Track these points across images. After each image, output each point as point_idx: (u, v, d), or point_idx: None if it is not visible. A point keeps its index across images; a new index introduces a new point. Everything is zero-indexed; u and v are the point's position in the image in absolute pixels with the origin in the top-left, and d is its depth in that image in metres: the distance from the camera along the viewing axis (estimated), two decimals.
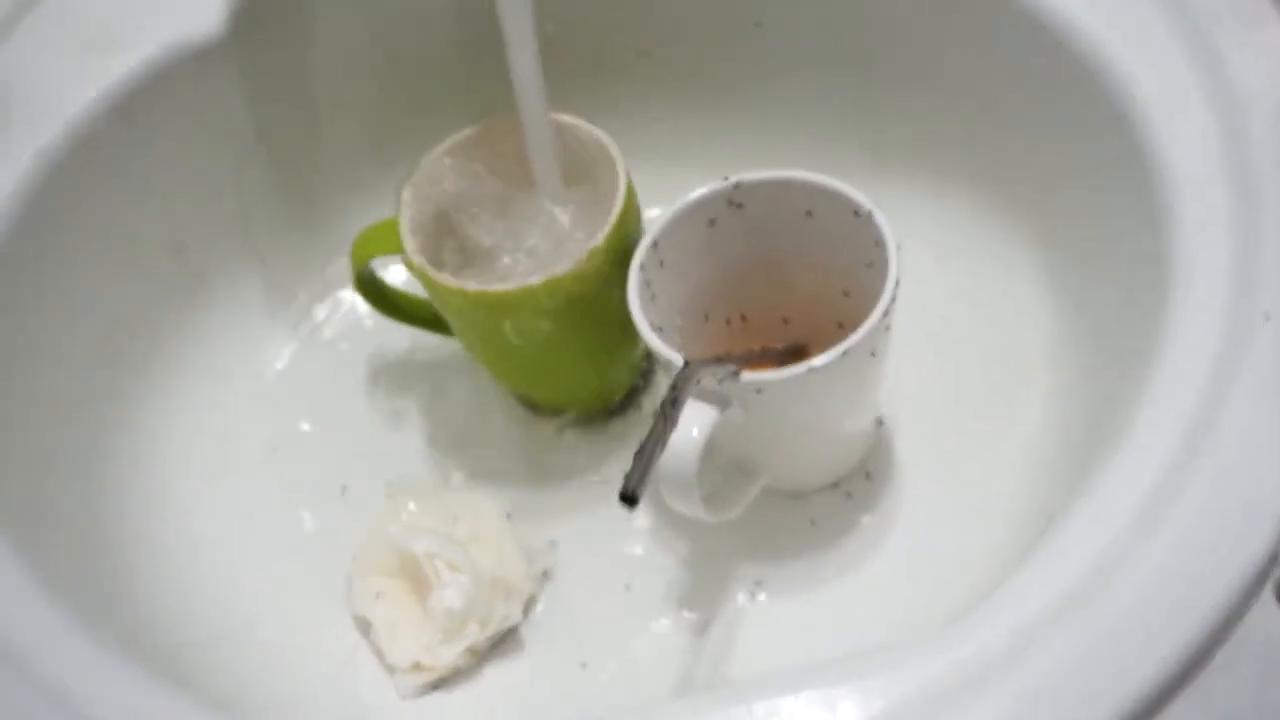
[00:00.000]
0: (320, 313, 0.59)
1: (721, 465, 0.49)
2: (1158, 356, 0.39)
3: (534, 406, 0.57)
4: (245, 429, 0.56)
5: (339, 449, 0.56)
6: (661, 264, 0.48)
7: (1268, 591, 0.35)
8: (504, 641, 0.49)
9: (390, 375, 0.58)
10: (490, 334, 0.50)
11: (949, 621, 0.37)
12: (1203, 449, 0.37)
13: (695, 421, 0.43)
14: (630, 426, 0.55)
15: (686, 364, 0.40)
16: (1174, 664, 0.33)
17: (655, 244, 0.48)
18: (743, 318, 0.53)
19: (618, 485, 0.36)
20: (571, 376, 0.53)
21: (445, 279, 0.48)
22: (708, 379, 0.42)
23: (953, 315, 0.55)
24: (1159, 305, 0.41)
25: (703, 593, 0.49)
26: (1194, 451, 0.37)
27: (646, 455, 0.36)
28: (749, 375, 0.43)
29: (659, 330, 0.47)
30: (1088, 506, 0.38)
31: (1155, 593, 0.34)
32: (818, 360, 0.43)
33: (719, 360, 0.43)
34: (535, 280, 0.47)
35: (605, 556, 0.51)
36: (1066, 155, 0.49)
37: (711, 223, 0.49)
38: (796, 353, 0.52)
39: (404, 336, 0.58)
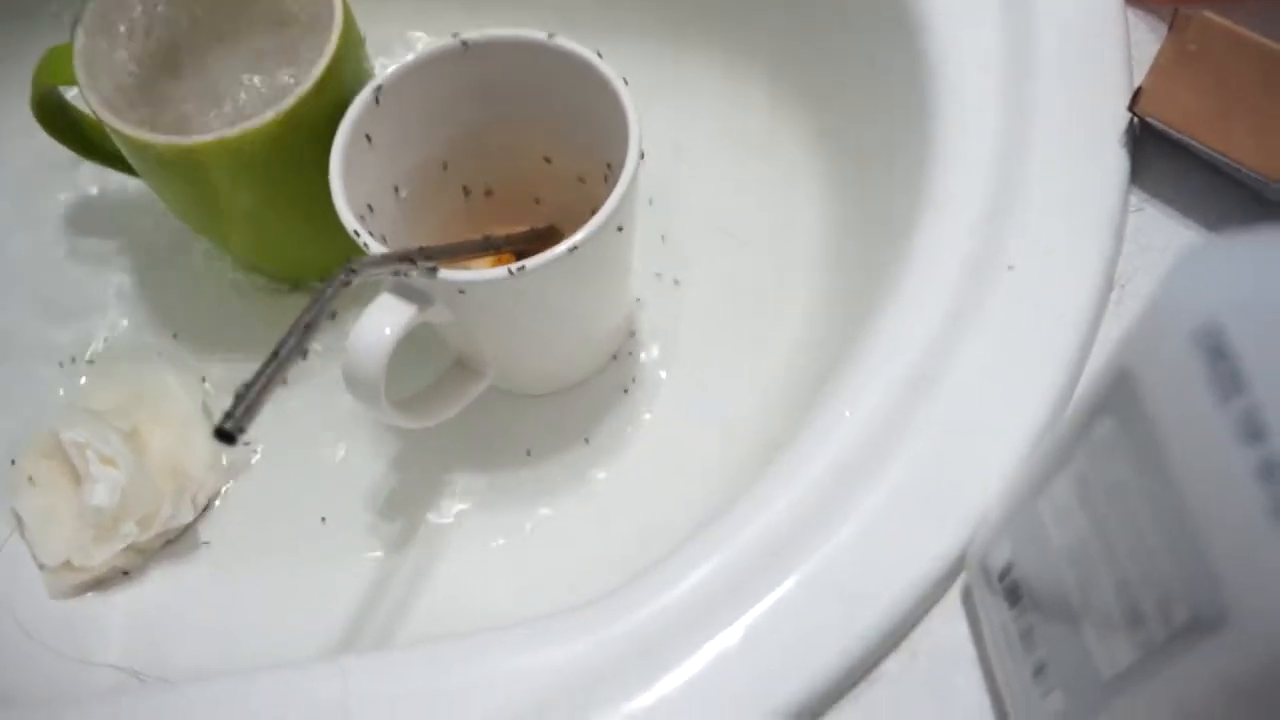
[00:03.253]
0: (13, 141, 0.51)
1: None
2: (890, 300, 0.34)
3: (258, 272, 0.50)
4: None
5: (22, 299, 0.49)
6: (382, 126, 0.41)
7: (953, 594, 0.30)
8: (179, 540, 0.44)
9: (90, 220, 0.50)
10: (188, 192, 0.43)
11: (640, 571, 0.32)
12: (916, 418, 0.32)
13: (387, 319, 0.37)
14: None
15: (350, 266, 0.34)
16: (836, 667, 0.29)
17: (375, 100, 0.40)
18: (488, 192, 0.47)
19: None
20: (291, 240, 0.46)
21: (124, 127, 0.40)
22: (393, 272, 0.36)
23: (729, 204, 0.49)
24: (906, 244, 0.35)
25: (409, 506, 0.44)
26: (906, 418, 0.32)
27: (258, 382, 0.30)
28: (448, 274, 0.37)
29: (369, 209, 0.40)
30: (788, 466, 0.33)
31: (823, 590, 0.30)
32: (528, 262, 0.37)
33: (410, 254, 0.37)
34: (231, 131, 0.39)
35: (308, 454, 0.45)
36: (854, 53, 0.43)
37: (442, 84, 0.42)
38: (545, 238, 0.46)
39: (109, 176, 0.50)
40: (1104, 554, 0.22)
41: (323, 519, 0.44)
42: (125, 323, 0.49)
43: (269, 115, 0.39)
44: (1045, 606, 0.25)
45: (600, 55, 0.40)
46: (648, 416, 0.46)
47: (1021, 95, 0.37)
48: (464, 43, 0.41)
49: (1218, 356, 0.18)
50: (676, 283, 0.48)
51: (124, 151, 0.42)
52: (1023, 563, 0.26)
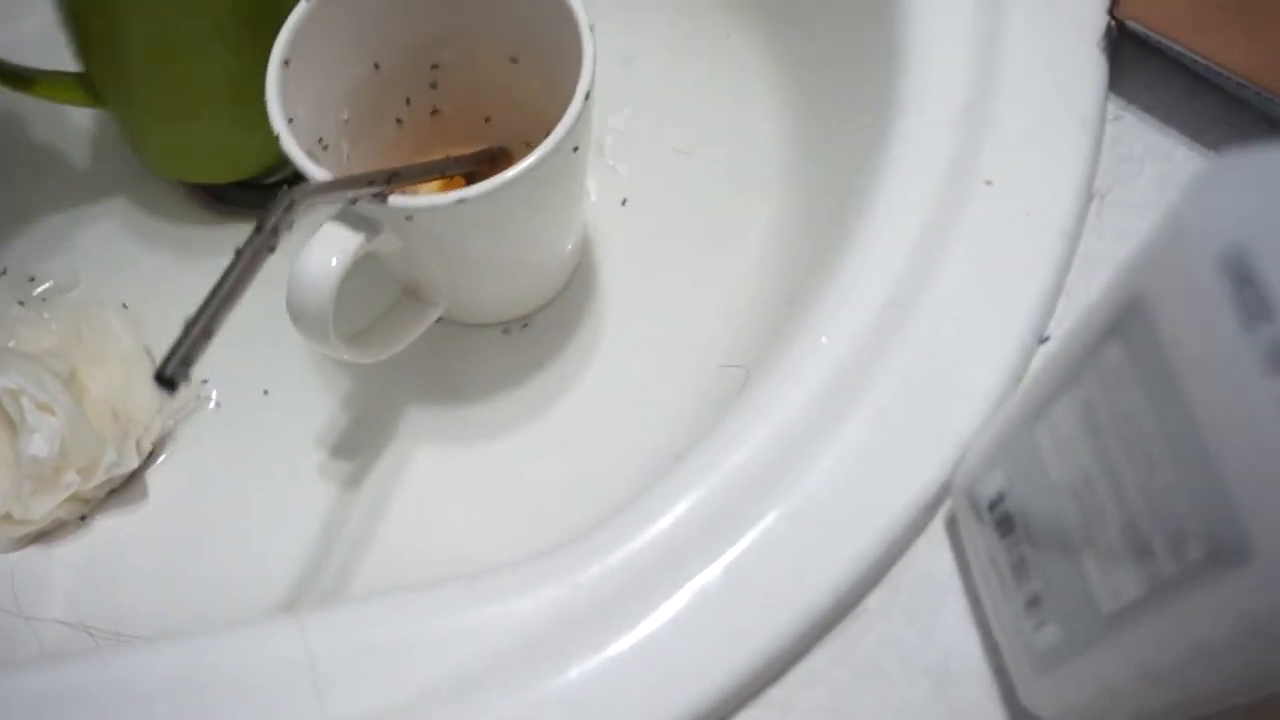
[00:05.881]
0: None
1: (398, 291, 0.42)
2: (862, 219, 0.33)
3: (189, 184, 0.47)
4: None
5: None
6: (314, 50, 0.38)
7: (937, 523, 0.29)
8: (124, 489, 0.42)
9: (13, 157, 0.48)
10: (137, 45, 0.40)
11: (616, 504, 0.31)
12: (894, 342, 0.31)
13: (334, 249, 0.35)
14: None
15: (289, 192, 0.32)
16: (822, 602, 0.28)
17: (310, 15, 0.38)
18: (434, 112, 0.44)
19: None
20: (225, 113, 0.43)
21: None
22: (334, 200, 0.34)
23: (682, 118, 0.47)
24: (875, 157, 0.34)
25: (362, 445, 0.42)
26: (883, 342, 0.31)
27: (198, 323, 0.28)
28: (397, 200, 0.35)
29: (319, 143, 0.38)
30: (764, 396, 0.32)
31: (805, 523, 0.29)
32: (476, 188, 0.35)
33: (356, 180, 0.35)
34: None
35: (256, 394, 0.43)
36: None
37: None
38: (495, 160, 0.44)
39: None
40: (1109, 485, 0.21)
41: (270, 456, 0.42)
42: (58, 263, 0.46)
43: None
44: (1041, 538, 0.24)
45: None
46: (606, 343, 0.44)
47: None
48: None
49: (1243, 282, 0.17)
50: (627, 203, 0.46)
51: None
52: (1016, 492, 0.25)
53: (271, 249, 0.30)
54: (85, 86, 0.43)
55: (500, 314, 0.44)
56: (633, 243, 0.46)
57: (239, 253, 0.29)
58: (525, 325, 0.44)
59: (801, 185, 0.43)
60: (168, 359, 0.27)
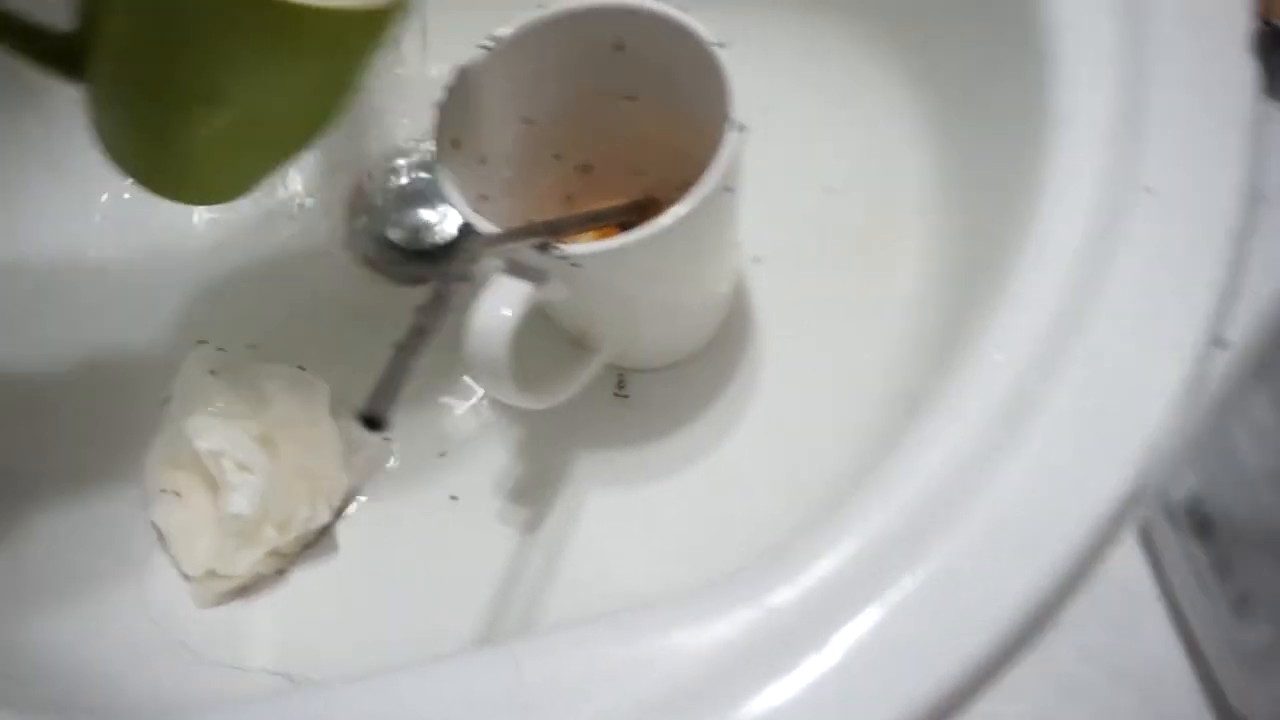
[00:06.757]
0: None
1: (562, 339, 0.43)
2: (1026, 234, 0.33)
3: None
4: None
5: (137, 286, 0.50)
6: (477, 106, 0.40)
7: (1129, 533, 0.29)
8: (316, 543, 0.44)
9: (170, 232, 0.51)
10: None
11: (798, 529, 0.32)
12: (1069, 354, 0.31)
13: (506, 300, 0.37)
14: None
15: (467, 247, 0.34)
16: (1016, 617, 0.28)
17: (463, 80, 0.40)
18: (587, 168, 0.46)
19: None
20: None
21: None
22: (503, 252, 0.36)
23: (826, 158, 0.48)
24: (1031, 175, 0.34)
25: (537, 488, 0.44)
26: (1059, 355, 0.31)
27: (395, 368, 0.30)
28: (565, 248, 0.37)
29: (472, 186, 0.40)
30: (942, 414, 0.32)
31: (997, 537, 0.29)
32: (639, 233, 0.37)
33: (522, 232, 0.37)
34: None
35: (435, 444, 0.45)
36: None
37: (537, 57, 0.41)
38: (645, 210, 0.45)
39: None
40: None
41: (452, 497, 0.44)
42: (245, 334, 0.49)
43: None
44: (1246, 534, 0.24)
45: None
46: (768, 379, 0.45)
47: (1138, 5, 0.36)
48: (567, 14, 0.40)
49: None
50: (779, 243, 0.47)
51: None
52: (1214, 492, 0.25)
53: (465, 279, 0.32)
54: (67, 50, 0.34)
55: (663, 358, 0.46)
56: (788, 278, 0.47)
57: (430, 297, 0.31)
58: (687, 367, 0.45)
59: (954, 212, 0.43)
60: (371, 400, 0.29)
